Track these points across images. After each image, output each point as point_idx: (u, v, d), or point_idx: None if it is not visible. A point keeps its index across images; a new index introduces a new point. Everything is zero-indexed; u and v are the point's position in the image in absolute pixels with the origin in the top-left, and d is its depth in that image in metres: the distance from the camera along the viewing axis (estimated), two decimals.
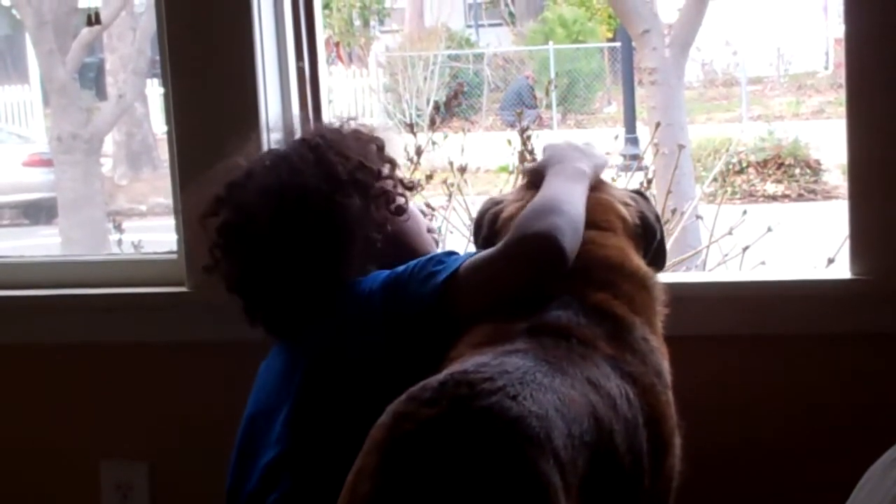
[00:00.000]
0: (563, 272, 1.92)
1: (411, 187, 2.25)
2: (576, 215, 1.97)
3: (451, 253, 2.05)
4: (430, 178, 3.56)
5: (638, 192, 2.19)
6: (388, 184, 2.19)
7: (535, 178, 2.12)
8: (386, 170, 2.20)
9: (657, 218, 2.16)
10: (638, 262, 2.02)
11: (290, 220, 2.10)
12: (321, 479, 1.90)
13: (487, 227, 2.14)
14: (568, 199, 2.00)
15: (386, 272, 2.05)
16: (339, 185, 2.12)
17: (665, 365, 1.93)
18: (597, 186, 2.12)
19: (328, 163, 2.13)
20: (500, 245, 1.98)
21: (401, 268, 2.04)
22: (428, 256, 2.04)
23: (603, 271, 1.95)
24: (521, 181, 2.25)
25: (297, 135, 2.27)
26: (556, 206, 1.97)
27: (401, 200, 2.20)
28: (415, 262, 2.03)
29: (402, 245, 2.16)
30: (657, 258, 2.13)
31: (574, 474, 1.58)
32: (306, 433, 2.01)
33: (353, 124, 2.25)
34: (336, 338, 2.04)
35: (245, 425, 2.16)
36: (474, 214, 2.29)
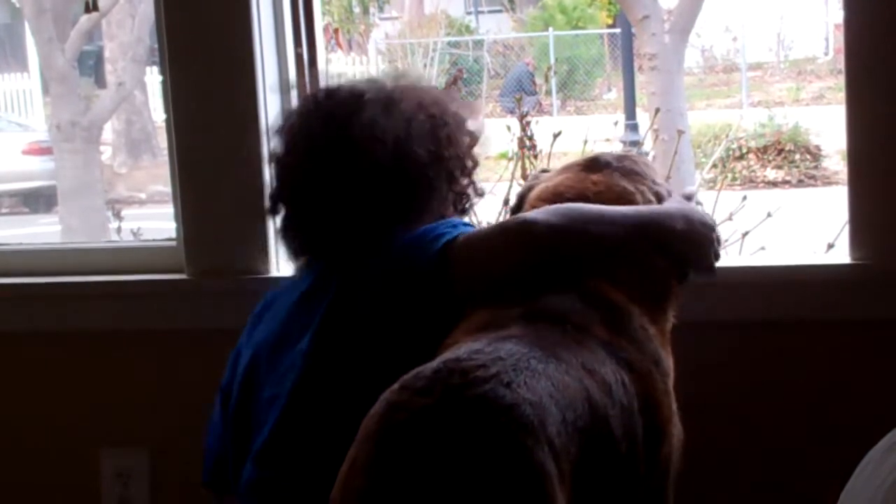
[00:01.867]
0: (549, 260, 1.93)
1: (482, 194, 2.27)
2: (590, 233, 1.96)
3: (467, 223, 2.08)
4: None
5: (685, 193, 2.15)
6: (466, 183, 2.20)
7: (594, 165, 2.11)
8: (469, 165, 2.22)
9: None
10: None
11: (379, 167, 2.10)
12: (329, 425, 1.94)
13: (518, 199, 2.16)
14: (608, 225, 1.97)
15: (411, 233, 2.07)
16: (439, 168, 2.14)
17: (664, 354, 1.93)
18: (628, 172, 2.10)
19: (438, 142, 2.15)
20: (498, 221, 1.99)
21: (421, 229, 2.06)
22: (445, 221, 2.06)
23: (601, 259, 1.95)
24: (573, 160, 2.22)
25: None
26: (587, 217, 1.96)
27: (467, 204, 2.23)
28: (433, 224, 2.05)
29: None
30: (683, 251, 2.09)
31: (567, 461, 1.58)
32: (322, 367, 2.02)
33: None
34: (362, 280, 2.05)
35: (252, 355, 2.15)
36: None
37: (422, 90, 2.22)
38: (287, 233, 2.20)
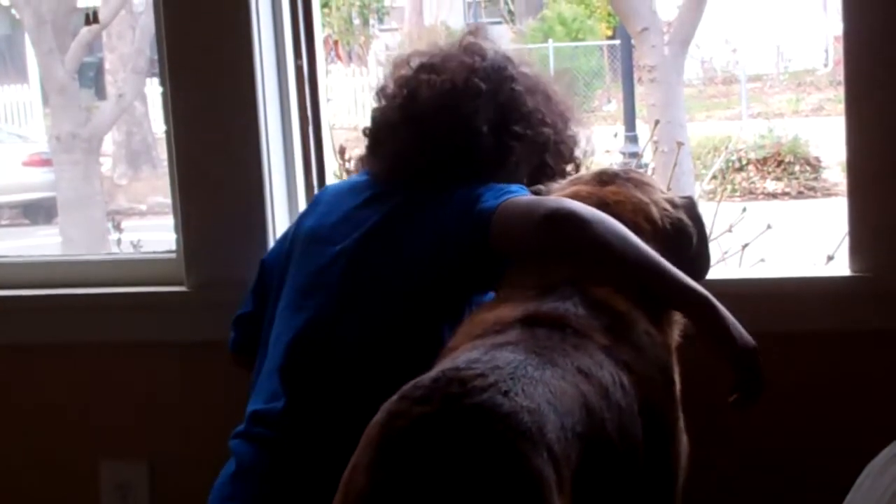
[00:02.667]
0: (563, 252, 1.96)
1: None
2: (624, 250, 1.96)
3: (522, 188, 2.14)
4: None
5: (687, 198, 2.17)
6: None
7: (604, 176, 2.14)
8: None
9: (699, 225, 2.14)
10: None
11: (499, 122, 2.22)
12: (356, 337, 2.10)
13: None
14: (642, 256, 1.97)
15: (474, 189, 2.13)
16: (545, 149, 2.26)
17: (669, 360, 1.94)
18: (639, 183, 2.12)
19: (555, 136, 2.28)
20: (539, 202, 2.04)
21: (484, 188, 2.12)
22: (514, 185, 2.13)
23: (611, 274, 1.95)
24: (579, 175, 2.24)
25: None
26: (620, 235, 1.97)
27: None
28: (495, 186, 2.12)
29: None
30: (695, 265, 2.11)
31: (567, 467, 1.59)
32: (363, 264, 2.14)
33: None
34: (421, 218, 2.14)
35: (293, 239, 2.28)
36: None
37: (562, 94, 2.35)
38: (378, 156, 2.30)
